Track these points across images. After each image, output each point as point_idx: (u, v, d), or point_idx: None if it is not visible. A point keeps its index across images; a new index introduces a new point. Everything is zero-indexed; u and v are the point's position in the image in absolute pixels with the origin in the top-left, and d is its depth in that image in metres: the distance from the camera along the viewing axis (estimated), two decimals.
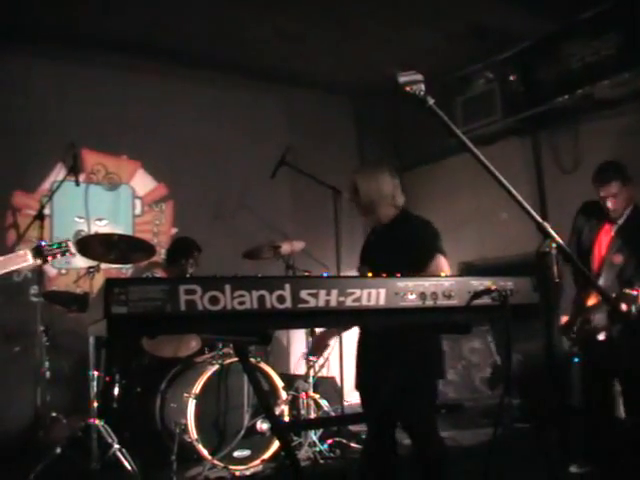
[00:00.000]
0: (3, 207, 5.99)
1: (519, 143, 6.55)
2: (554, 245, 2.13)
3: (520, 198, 2.21)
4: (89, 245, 5.11)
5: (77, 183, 5.07)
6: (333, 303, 1.93)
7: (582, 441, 4.25)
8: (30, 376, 5.00)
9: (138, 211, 6.76)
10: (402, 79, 2.20)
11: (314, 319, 2.07)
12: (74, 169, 5.01)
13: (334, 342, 5.08)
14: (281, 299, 1.86)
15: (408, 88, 2.19)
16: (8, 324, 5.68)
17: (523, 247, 4.33)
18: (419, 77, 2.22)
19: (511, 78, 6.20)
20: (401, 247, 3.37)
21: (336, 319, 2.13)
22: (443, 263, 3.37)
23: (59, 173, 5.71)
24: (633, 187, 4.36)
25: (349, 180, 3.70)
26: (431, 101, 2.21)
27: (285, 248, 5.50)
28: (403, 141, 7.90)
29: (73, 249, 4.25)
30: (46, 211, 5.12)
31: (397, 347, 2.96)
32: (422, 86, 2.21)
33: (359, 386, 3.63)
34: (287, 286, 1.87)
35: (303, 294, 1.89)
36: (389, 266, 3.02)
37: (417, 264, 3.21)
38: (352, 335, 6.48)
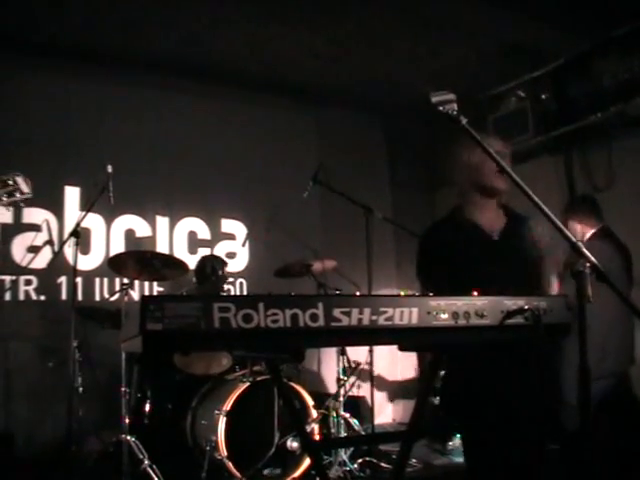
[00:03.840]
0: None
1: (551, 161, 6.51)
2: (587, 264, 2.12)
3: (553, 217, 2.21)
4: (123, 262, 5.17)
5: (111, 200, 5.12)
6: (365, 322, 1.93)
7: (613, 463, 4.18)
8: (63, 391, 5.05)
9: None
10: (434, 99, 2.21)
11: (347, 337, 2.07)
12: (108, 187, 5.06)
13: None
14: (314, 317, 1.87)
15: (441, 108, 2.20)
16: (43, 339, 5.76)
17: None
18: (451, 96, 2.23)
19: (543, 96, 6.18)
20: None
21: (368, 337, 2.13)
22: None
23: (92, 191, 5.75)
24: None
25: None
26: (464, 120, 2.22)
27: (317, 266, 5.51)
28: (436, 159, 7.90)
29: (24, 186, 3.35)
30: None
31: None
32: (455, 105, 2.22)
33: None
34: (320, 304, 1.88)
35: (336, 312, 1.90)
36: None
37: None
38: (382, 356, 6.48)
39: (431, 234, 3.08)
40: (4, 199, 3.30)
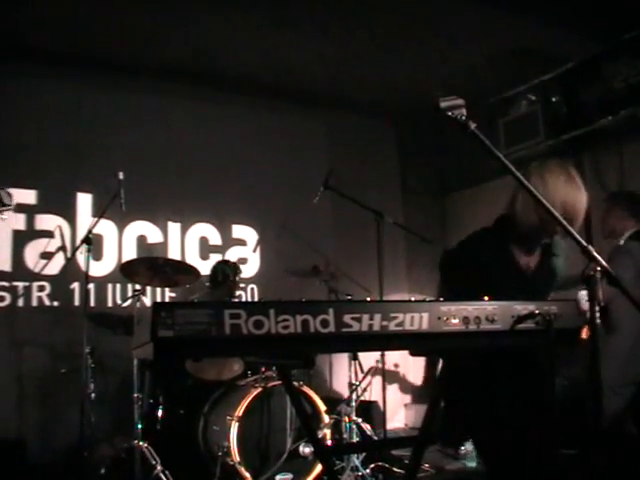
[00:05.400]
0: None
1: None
2: (599, 268, 2.11)
3: (564, 221, 2.21)
4: (135, 269, 5.20)
5: (122, 207, 5.15)
6: (376, 327, 1.94)
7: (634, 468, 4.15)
8: (76, 397, 5.07)
9: None
10: (443, 104, 2.21)
11: (357, 343, 2.08)
12: (119, 194, 5.10)
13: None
14: (325, 323, 1.88)
15: (449, 113, 2.20)
16: (56, 345, 5.78)
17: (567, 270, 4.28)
18: (460, 102, 2.22)
19: (554, 99, 6.17)
20: None
21: (379, 343, 2.13)
22: None
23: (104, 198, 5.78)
24: None
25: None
26: (473, 126, 2.21)
27: (327, 271, 5.52)
28: (446, 163, 7.90)
29: (7, 199, 3.46)
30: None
31: None
32: (463, 111, 2.21)
33: None
34: (331, 310, 1.89)
35: (346, 318, 1.90)
36: None
37: None
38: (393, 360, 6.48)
39: (469, 249, 2.96)
40: None
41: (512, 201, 2.90)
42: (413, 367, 7.46)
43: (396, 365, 7.21)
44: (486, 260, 2.83)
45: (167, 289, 6.42)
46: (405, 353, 2.59)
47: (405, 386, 7.52)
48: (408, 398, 7.55)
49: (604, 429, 2.37)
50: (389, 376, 5.92)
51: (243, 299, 6.46)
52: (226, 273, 5.67)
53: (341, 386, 6.39)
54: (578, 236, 2.17)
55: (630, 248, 4.51)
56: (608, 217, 4.73)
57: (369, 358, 5.63)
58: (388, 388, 5.68)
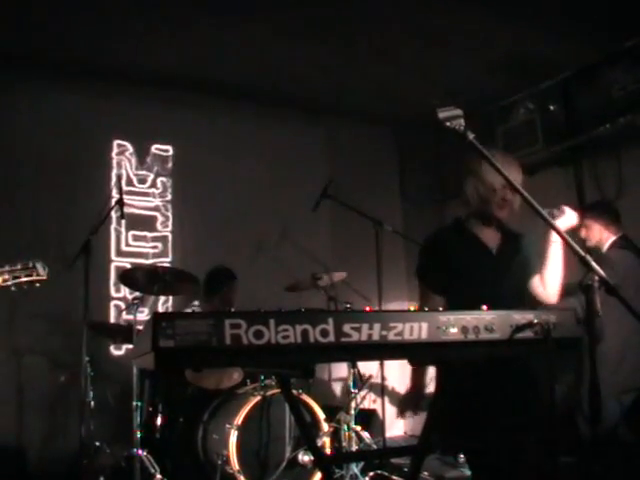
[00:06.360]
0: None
1: (561, 173, 6.49)
2: (596, 278, 2.12)
3: (562, 230, 2.21)
4: (133, 277, 5.20)
5: (122, 216, 5.16)
6: (375, 337, 1.95)
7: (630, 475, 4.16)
8: (75, 405, 5.07)
9: None
10: (442, 115, 2.22)
11: (357, 353, 2.09)
12: (119, 202, 5.11)
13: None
14: (324, 333, 1.88)
15: (448, 123, 2.21)
16: (55, 354, 5.78)
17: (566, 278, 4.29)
18: (458, 112, 2.24)
19: (552, 107, 6.18)
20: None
21: (378, 353, 2.14)
22: None
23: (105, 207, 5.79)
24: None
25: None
26: (471, 136, 2.23)
27: (327, 280, 5.52)
28: (446, 171, 7.89)
29: (42, 270, 3.73)
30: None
31: None
32: (462, 121, 2.23)
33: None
34: (330, 320, 1.90)
35: (346, 328, 1.91)
36: None
37: None
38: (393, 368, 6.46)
39: (435, 238, 3.22)
40: (23, 279, 3.66)
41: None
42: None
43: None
44: (452, 242, 3.09)
45: (167, 297, 6.42)
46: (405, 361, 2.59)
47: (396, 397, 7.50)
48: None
49: (600, 437, 2.36)
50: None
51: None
52: (221, 281, 5.68)
53: (340, 394, 6.40)
54: (575, 245, 2.18)
55: (611, 258, 4.54)
56: (590, 230, 4.78)
57: (368, 367, 5.63)
58: (388, 397, 5.68)
